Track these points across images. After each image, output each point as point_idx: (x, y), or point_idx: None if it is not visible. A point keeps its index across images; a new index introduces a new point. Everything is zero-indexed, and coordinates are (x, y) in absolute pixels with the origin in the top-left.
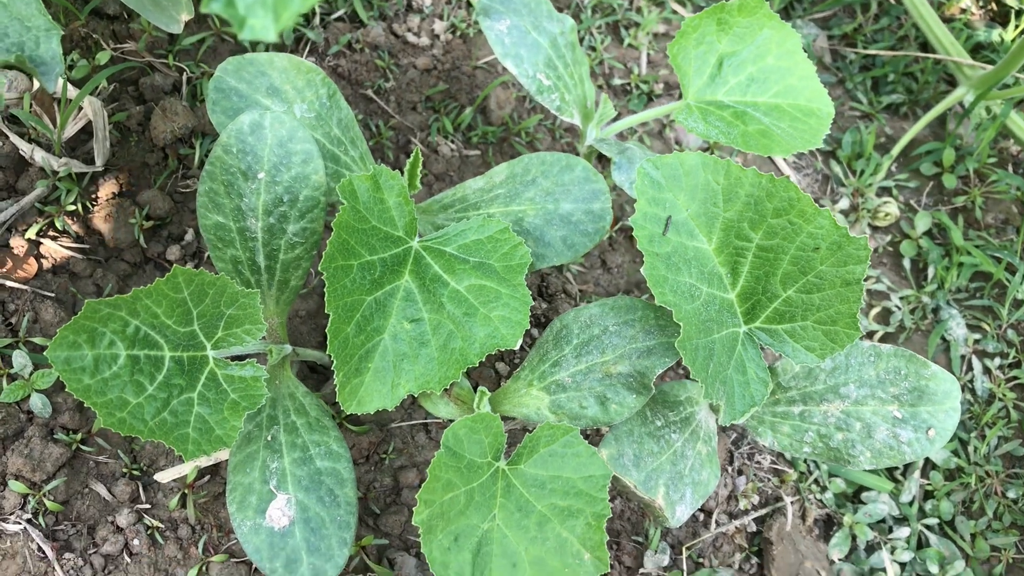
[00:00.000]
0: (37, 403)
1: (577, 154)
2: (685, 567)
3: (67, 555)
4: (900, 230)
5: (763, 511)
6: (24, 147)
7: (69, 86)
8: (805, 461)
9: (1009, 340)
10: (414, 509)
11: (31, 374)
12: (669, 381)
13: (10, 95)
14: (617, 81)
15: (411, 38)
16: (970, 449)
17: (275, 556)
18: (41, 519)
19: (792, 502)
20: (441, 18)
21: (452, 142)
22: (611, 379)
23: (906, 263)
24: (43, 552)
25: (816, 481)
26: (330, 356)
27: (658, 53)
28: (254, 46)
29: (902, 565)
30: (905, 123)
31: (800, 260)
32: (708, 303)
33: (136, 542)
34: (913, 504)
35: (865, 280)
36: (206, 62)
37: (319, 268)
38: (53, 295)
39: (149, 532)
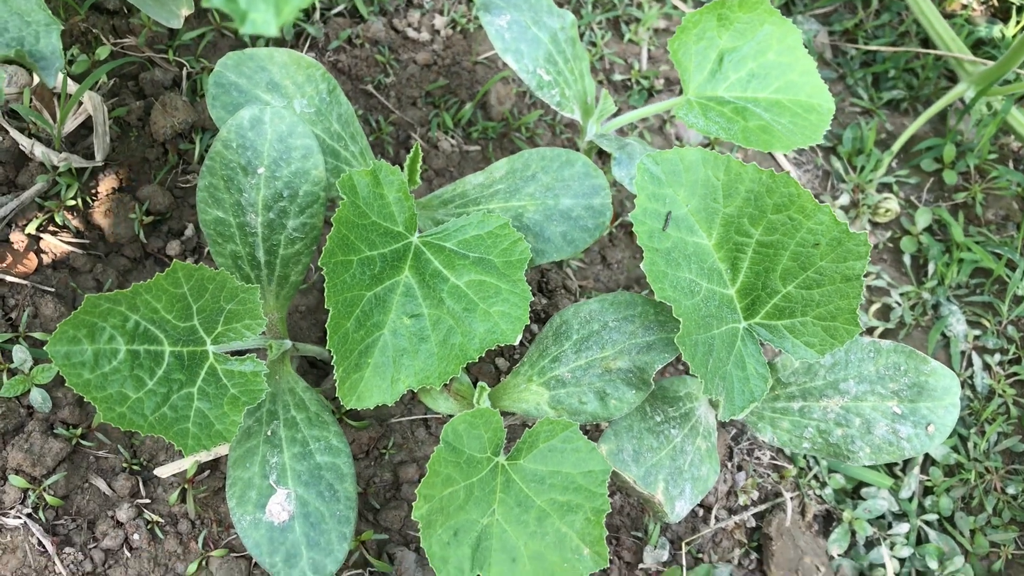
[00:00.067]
0: (37, 398)
1: (577, 150)
2: (684, 562)
3: (67, 549)
4: (900, 226)
5: (762, 507)
6: (24, 142)
7: (69, 81)
8: (804, 457)
9: (1009, 336)
10: (414, 504)
11: (31, 369)
12: (669, 377)
13: (10, 90)
14: (617, 77)
15: (411, 33)
16: (970, 445)
17: (275, 551)
18: (41, 514)
19: (791, 498)
20: (441, 13)
21: (452, 137)
22: (611, 375)
23: (906, 259)
24: (43, 546)
25: (815, 477)
26: (330, 351)
27: (659, 49)
28: (254, 41)
29: (901, 561)
30: (906, 119)
31: (800, 256)
32: (708, 299)
33: (136, 537)
34: (912, 500)
35: (865, 276)
36: (206, 57)
37: (319, 263)
38: (53, 290)
39: (149, 527)
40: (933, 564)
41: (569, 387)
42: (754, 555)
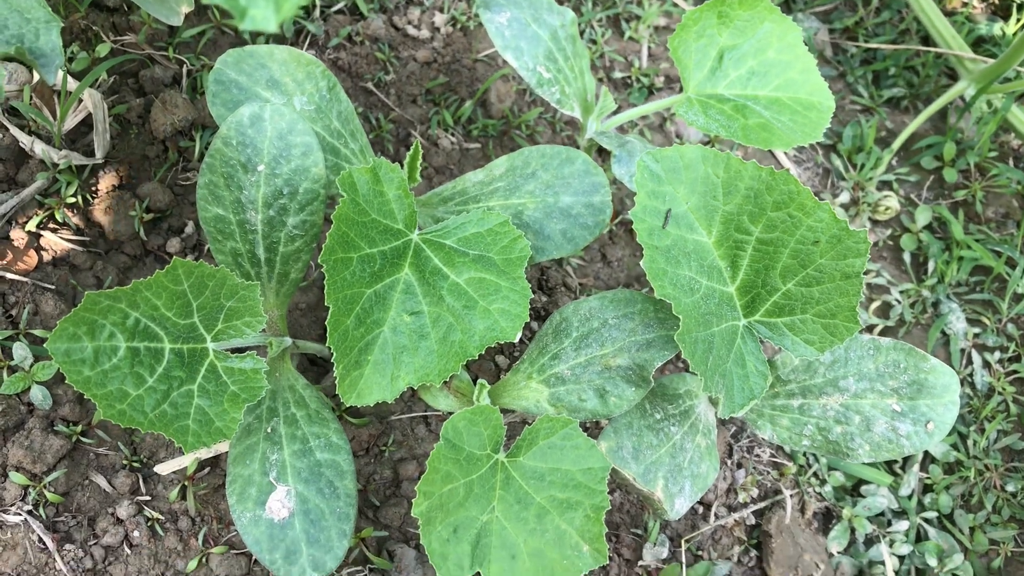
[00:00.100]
0: (37, 395)
1: (577, 147)
2: (684, 560)
3: (67, 546)
4: (900, 224)
5: (762, 504)
6: (24, 139)
7: (69, 78)
8: (804, 454)
9: (1009, 334)
10: (413, 501)
11: (31, 366)
12: (668, 374)
13: (10, 87)
14: (618, 74)
15: (411, 31)
16: (969, 443)
17: (275, 547)
18: (42, 510)
19: (791, 495)
20: (441, 11)
21: (452, 135)
22: (610, 372)
23: (906, 257)
24: (44, 543)
25: (815, 474)
26: (330, 349)
27: (659, 46)
28: (254, 38)
29: (901, 558)
30: (906, 117)
31: (800, 253)
32: (708, 296)
33: (136, 534)
34: (912, 497)
35: (865, 274)
36: (206, 54)
37: (319, 261)
38: (53, 287)
39: (149, 524)
40: (932, 561)
41: (569, 384)
42: (754, 552)
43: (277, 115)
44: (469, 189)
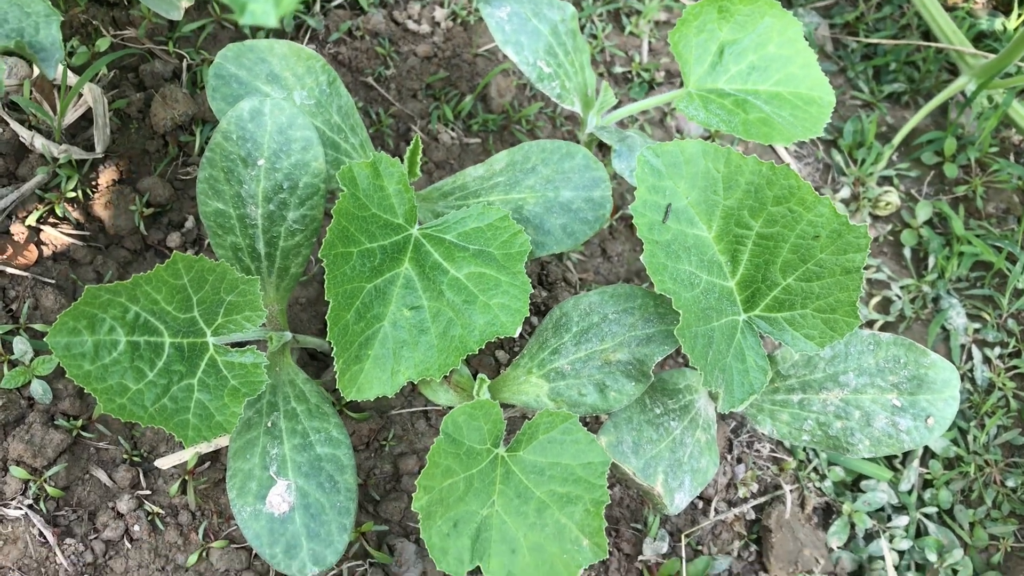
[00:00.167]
0: (38, 389)
1: (577, 142)
2: (684, 554)
3: (68, 540)
4: (901, 219)
5: (762, 499)
6: (24, 134)
7: (69, 73)
8: (804, 449)
9: (1009, 330)
10: (413, 495)
11: (32, 360)
12: (668, 369)
13: (10, 82)
14: (618, 69)
15: (411, 25)
16: (969, 438)
17: (275, 542)
18: (42, 505)
19: (791, 490)
20: (442, 5)
21: (452, 130)
22: (610, 367)
23: (907, 252)
24: (44, 537)
25: (815, 469)
26: (330, 343)
27: (659, 41)
28: (254, 33)
29: (900, 553)
30: (906, 112)
31: (800, 248)
32: (708, 291)
33: (136, 528)
34: (912, 493)
35: (865, 269)
36: (206, 49)
37: (319, 255)
38: (53, 282)
39: (150, 518)
40: (932, 557)
41: (569, 379)
42: (753, 547)
43: (277, 109)
44: (469, 184)
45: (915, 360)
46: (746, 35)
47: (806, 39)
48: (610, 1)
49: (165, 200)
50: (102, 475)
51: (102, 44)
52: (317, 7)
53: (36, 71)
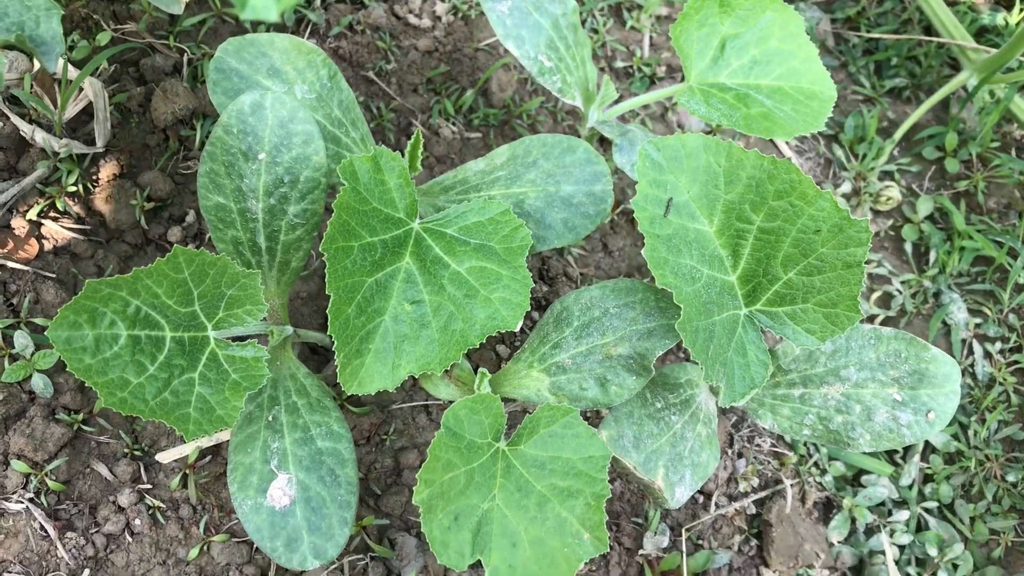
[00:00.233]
0: (39, 383)
1: (579, 136)
2: (684, 549)
3: (69, 534)
4: (902, 214)
5: (763, 493)
6: (25, 128)
7: (70, 67)
8: (805, 444)
9: (1010, 324)
10: (414, 489)
11: (32, 354)
12: (669, 363)
13: (11, 76)
14: (619, 63)
15: (412, 20)
16: (970, 433)
17: (276, 535)
18: (43, 498)
19: (792, 485)
20: (443, 0)
21: (453, 124)
22: (611, 361)
23: (908, 247)
24: (45, 531)
25: (816, 464)
26: (331, 337)
27: (660, 35)
28: (255, 27)
29: (901, 548)
30: (908, 107)
31: (801, 242)
32: (709, 285)
33: (137, 522)
34: (913, 487)
35: (866, 264)
36: (207, 43)
37: (320, 249)
38: (54, 276)
39: (150, 512)
40: (933, 551)
41: (570, 373)
42: (754, 542)
43: (278, 103)
44: (470, 178)
45: (916, 355)
46: (748, 29)
47: (807, 34)
48: None
49: (166, 194)
50: (103, 469)
51: (103, 38)
52: (318, 1)
53: (37, 65)
